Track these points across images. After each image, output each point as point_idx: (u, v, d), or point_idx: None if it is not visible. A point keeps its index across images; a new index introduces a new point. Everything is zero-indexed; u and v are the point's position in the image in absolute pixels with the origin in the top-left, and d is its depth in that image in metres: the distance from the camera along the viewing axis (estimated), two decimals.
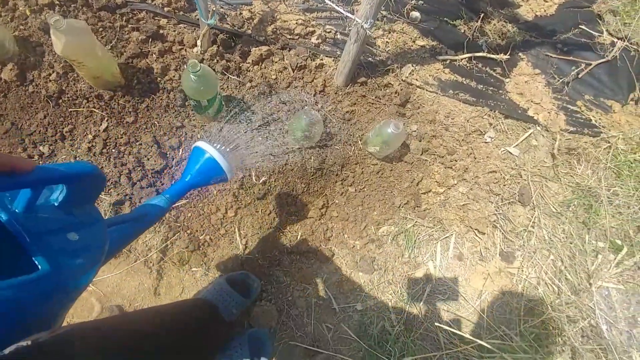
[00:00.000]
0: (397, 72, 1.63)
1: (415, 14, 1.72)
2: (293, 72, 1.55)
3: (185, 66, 1.47)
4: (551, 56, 1.89)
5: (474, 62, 1.77)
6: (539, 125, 1.75)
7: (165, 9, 1.57)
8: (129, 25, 1.53)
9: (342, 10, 1.30)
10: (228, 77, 1.51)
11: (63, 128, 1.44)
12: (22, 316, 0.40)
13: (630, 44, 1.99)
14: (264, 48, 1.54)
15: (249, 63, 1.54)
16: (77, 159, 1.44)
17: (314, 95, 1.55)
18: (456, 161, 1.60)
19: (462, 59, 1.73)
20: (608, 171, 1.75)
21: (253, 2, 1.63)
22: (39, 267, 0.42)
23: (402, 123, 1.33)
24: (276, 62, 1.55)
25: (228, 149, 1.03)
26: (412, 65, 1.65)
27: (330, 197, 1.52)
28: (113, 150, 1.43)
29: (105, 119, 1.44)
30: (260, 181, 1.47)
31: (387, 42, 1.66)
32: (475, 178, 1.60)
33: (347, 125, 1.56)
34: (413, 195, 1.55)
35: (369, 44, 1.65)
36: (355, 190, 1.53)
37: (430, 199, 1.59)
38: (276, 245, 1.48)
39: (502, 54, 1.80)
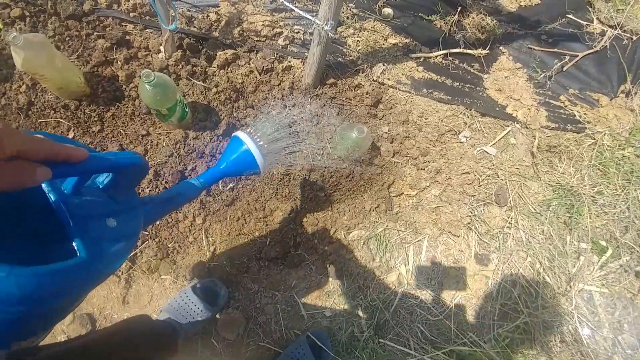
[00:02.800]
0: (368, 72, 1.59)
1: (388, 10, 1.67)
2: (260, 75, 1.53)
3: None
4: (534, 49, 1.81)
5: (450, 58, 1.71)
6: (518, 123, 1.69)
7: (131, 14, 1.56)
8: (95, 33, 1.52)
9: (302, 12, 1.27)
10: (193, 83, 1.50)
11: None
12: (55, 302, 0.40)
13: (624, 31, 1.89)
14: (230, 52, 1.51)
15: (214, 67, 1.52)
16: None
17: (281, 99, 1.52)
18: (429, 163, 1.56)
19: (437, 56, 1.67)
20: (592, 169, 1.68)
21: (219, 3, 1.60)
22: (78, 253, 0.43)
23: (366, 127, 1.30)
24: (242, 66, 1.53)
25: (266, 144, 1.01)
26: (384, 65, 1.61)
27: (299, 202, 1.51)
28: None
29: (72, 128, 1.45)
30: (228, 187, 1.46)
31: (357, 40, 1.61)
32: (448, 180, 1.56)
33: (315, 129, 1.53)
34: (384, 198, 1.53)
35: (339, 43, 1.61)
36: (325, 194, 1.51)
37: (403, 201, 1.56)
38: (245, 251, 1.47)
39: (480, 49, 1.74)
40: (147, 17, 1.58)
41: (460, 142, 1.62)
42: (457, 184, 1.56)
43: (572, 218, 1.63)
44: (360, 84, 1.59)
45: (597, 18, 1.89)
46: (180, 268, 1.44)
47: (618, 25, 1.88)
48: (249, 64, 1.53)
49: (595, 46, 1.82)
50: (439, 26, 1.73)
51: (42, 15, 1.52)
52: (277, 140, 1.08)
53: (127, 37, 1.54)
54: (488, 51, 1.75)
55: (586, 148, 1.69)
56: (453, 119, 1.63)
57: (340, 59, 1.59)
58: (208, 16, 1.59)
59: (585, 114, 1.72)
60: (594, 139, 1.70)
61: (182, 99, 1.38)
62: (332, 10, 1.22)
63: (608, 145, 1.69)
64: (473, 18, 1.76)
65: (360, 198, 1.53)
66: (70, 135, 1.45)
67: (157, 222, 1.45)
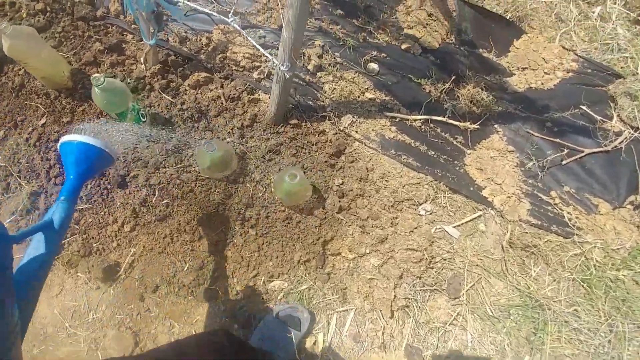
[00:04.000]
0: (335, 121, 1.53)
1: (373, 65, 1.62)
2: (226, 102, 1.53)
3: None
4: (534, 134, 1.64)
5: (432, 125, 1.60)
6: (493, 209, 1.50)
7: (133, 26, 1.67)
8: (95, 36, 1.65)
9: (262, 51, 1.26)
10: (162, 96, 1.54)
11: (17, 117, 1.57)
12: None
13: None
14: (203, 74, 1.55)
15: (186, 86, 1.56)
16: (18, 147, 1.56)
17: (240, 129, 1.51)
18: (376, 228, 1.42)
19: (415, 120, 1.57)
20: (573, 284, 1.42)
21: (213, 30, 1.67)
22: None
23: (299, 175, 1.22)
24: (212, 90, 1.55)
25: (92, 134, 1.04)
26: (354, 116, 1.54)
27: (228, 235, 1.43)
28: (43, 145, 1.52)
29: (46, 115, 1.55)
30: (163, 202, 1.44)
31: (333, 88, 1.58)
32: (391, 251, 1.40)
33: (265, 165, 1.48)
34: (317, 254, 1.40)
35: (314, 87, 1.59)
36: (256, 234, 1.43)
37: (337, 263, 1.42)
38: (160, 271, 1.41)
39: (470, 122, 1.61)
40: None
41: (419, 215, 1.46)
42: (401, 259, 1.39)
43: (536, 335, 1.37)
44: (325, 130, 1.53)
45: (618, 115, 1.68)
46: (95, 271, 1.41)
47: (636, 128, 1.65)
48: (219, 89, 1.55)
49: (607, 145, 1.60)
50: (427, 90, 1.65)
51: (60, 13, 1.69)
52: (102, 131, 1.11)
53: (122, 45, 1.65)
54: (478, 127, 1.62)
55: (569, 257, 1.44)
56: (417, 187, 1.49)
57: (310, 102, 1.56)
58: (200, 39, 1.66)
59: (577, 217, 1.49)
60: (582, 249, 1.45)
61: (138, 108, 1.41)
62: (287, 53, 1.21)
63: (597, 261, 1.43)
64: (469, 90, 1.65)
65: (291, 247, 1.42)
66: (42, 121, 1.54)
67: (90, 220, 1.46)
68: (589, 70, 1.79)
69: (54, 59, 1.47)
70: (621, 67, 1.83)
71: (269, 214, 1.44)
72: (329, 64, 1.60)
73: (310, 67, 1.59)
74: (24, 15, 1.69)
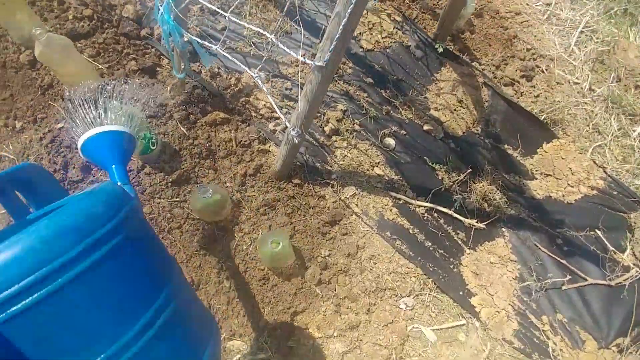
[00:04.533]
0: (338, 189, 1.51)
1: (390, 141, 1.60)
2: (236, 146, 1.54)
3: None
4: (541, 249, 1.55)
5: (436, 215, 1.54)
6: (478, 320, 1.42)
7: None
8: (132, 55, 1.71)
9: (278, 111, 1.27)
10: (178, 127, 1.57)
11: (38, 114, 1.64)
12: None
13: None
14: (222, 114, 1.57)
15: (204, 122, 1.58)
16: (31, 143, 1.61)
17: (243, 176, 1.51)
18: (350, 311, 1.37)
19: (419, 206, 1.53)
20: None
21: (244, 73, 1.70)
22: None
23: (282, 243, 1.20)
24: (226, 131, 1.56)
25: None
26: (357, 189, 1.51)
27: (202, 280, 1.42)
28: (54, 148, 1.57)
29: (65, 120, 1.60)
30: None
31: (345, 155, 1.56)
32: (358, 341, 1.34)
33: (257, 218, 1.47)
34: (284, 324, 1.36)
35: (326, 150, 1.57)
36: (230, 286, 1.40)
37: (303, 337, 1.37)
38: None
39: (477, 221, 1.55)
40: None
41: (398, 308, 1.40)
42: (367, 352, 1.33)
43: None
44: (325, 196, 1.51)
45: (632, 249, 1.57)
46: None
47: None
48: (233, 132, 1.56)
49: (612, 279, 1.50)
50: (439, 177, 1.60)
51: (106, 24, 1.77)
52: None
53: (157, 69, 1.70)
54: (484, 227, 1.55)
55: None
56: (404, 278, 1.44)
57: (318, 165, 1.54)
58: (230, 78, 1.69)
59: (562, 350, 1.38)
60: None
61: (150, 136, 1.44)
62: (299, 121, 1.21)
63: None
64: (484, 185, 1.59)
65: (260, 309, 1.38)
66: (60, 125, 1.59)
67: None
68: (615, 193, 1.70)
69: (82, 71, 1.53)
70: None
71: (247, 269, 1.41)
72: (347, 130, 1.59)
73: (327, 129, 1.58)
74: (70, 17, 1.77)
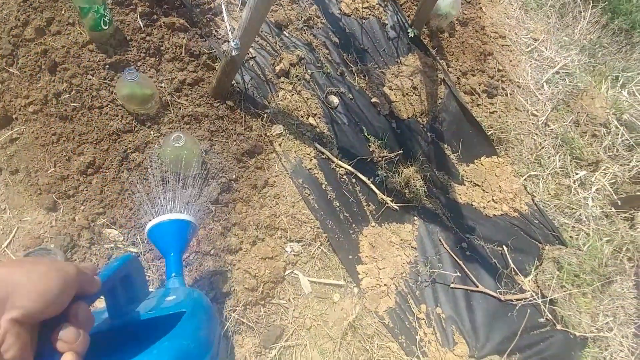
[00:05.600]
0: (267, 124, 1.51)
1: (335, 99, 1.61)
2: (184, 53, 1.55)
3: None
4: (444, 245, 1.56)
5: (354, 180, 1.55)
6: (357, 287, 1.41)
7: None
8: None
9: (227, 23, 1.28)
10: (137, 19, 1.57)
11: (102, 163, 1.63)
12: None
13: (547, 306, 1.53)
14: (182, 21, 1.58)
15: (162, 23, 1.58)
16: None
17: (181, 82, 1.51)
18: (234, 237, 1.35)
19: (340, 166, 1.53)
20: None
21: None
22: None
23: (184, 138, 1.19)
24: (180, 38, 1.57)
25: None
26: (285, 130, 1.52)
27: (103, 165, 1.40)
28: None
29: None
30: (72, 104, 1.43)
31: (286, 97, 1.57)
32: (231, 265, 1.32)
33: (179, 125, 1.46)
34: None
35: (271, 87, 1.58)
36: (127, 178, 1.38)
37: None
38: (30, 160, 1.38)
39: (391, 200, 1.55)
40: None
41: (283, 250, 1.39)
42: (236, 278, 1.31)
43: None
44: (253, 127, 1.51)
45: (535, 276, 1.58)
46: None
47: (544, 296, 1.54)
48: (186, 40, 1.56)
49: (504, 294, 1.49)
50: (371, 149, 1.61)
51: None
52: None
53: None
54: (397, 208, 1.56)
55: None
56: (300, 225, 1.43)
57: (256, 97, 1.55)
58: None
59: (429, 342, 1.37)
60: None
61: (103, 13, 1.42)
62: (240, 32, 1.22)
63: None
64: (410, 171, 1.60)
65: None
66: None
67: (12, 85, 1.46)
68: (536, 222, 1.72)
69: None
70: (570, 237, 1.74)
71: (149, 165, 1.40)
72: (296, 76, 1.60)
73: (277, 68, 1.59)
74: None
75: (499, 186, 1.75)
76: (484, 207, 1.70)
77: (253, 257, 1.34)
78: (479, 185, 1.73)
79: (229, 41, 1.61)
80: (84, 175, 1.39)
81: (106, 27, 1.48)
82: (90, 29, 1.47)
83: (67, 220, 1.33)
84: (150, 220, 0.99)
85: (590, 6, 2.47)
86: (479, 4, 2.15)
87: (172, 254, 0.95)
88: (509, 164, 1.82)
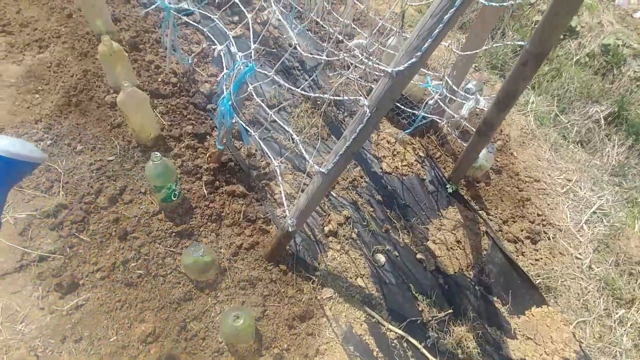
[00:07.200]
0: (317, 287, 1.56)
1: (381, 258, 1.67)
2: (242, 219, 1.70)
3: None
4: None
5: (405, 345, 1.52)
6: None
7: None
8: (192, 120, 2.04)
9: (284, 199, 1.43)
10: (202, 188, 1.78)
11: (98, 144, 1.93)
12: None
13: None
14: (242, 189, 1.77)
15: (224, 190, 1.78)
16: (81, 165, 1.87)
17: (238, 247, 1.63)
18: None
19: (390, 330, 1.52)
20: None
21: (274, 160, 1.94)
22: None
23: (242, 319, 1.25)
24: (240, 204, 1.74)
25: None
26: (335, 293, 1.56)
27: (162, 334, 1.45)
28: (95, 174, 1.80)
29: (116, 155, 1.86)
30: (138, 272, 1.55)
31: (334, 258, 1.64)
32: None
33: (234, 290, 1.54)
34: None
35: (320, 247, 1.67)
36: (185, 348, 1.42)
37: None
38: (92, 327, 1.46)
39: None
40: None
41: None
42: None
43: None
44: (304, 290, 1.56)
45: None
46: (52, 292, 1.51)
47: None
48: (244, 206, 1.73)
49: None
50: (420, 309, 1.61)
51: (183, 92, 2.14)
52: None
53: (207, 137, 1.99)
54: None
55: None
56: None
57: (307, 258, 1.63)
58: (261, 161, 1.93)
59: None
60: None
61: (174, 189, 1.64)
62: (296, 214, 1.35)
63: None
64: (462, 331, 1.57)
65: None
66: (110, 158, 1.85)
67: (81, 250, 1.62)
68: None
69: (148, 123, 1.84)
70: None
71: (207, 337, 1.44)
72: (344, 235, 1.70)
73: (326, 229, 1.70)
74: (159, 80, 2.18)
75: (551, 337, 1.66)
76: None
77: None
78: (531, 339, 1.65)
79: (283, 205, 1.77)
80: (142, 344, 1.43)
81: (175, 199, 1.68)
82: (161, 201, 1.67)
83: None
84: None
85: (616, 128, 2.60)
86: (510, 150, 2.30)
87: None
88: (558, 312, 1.75)
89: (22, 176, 0.98)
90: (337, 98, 1.81)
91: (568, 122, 2.61)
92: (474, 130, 1.68)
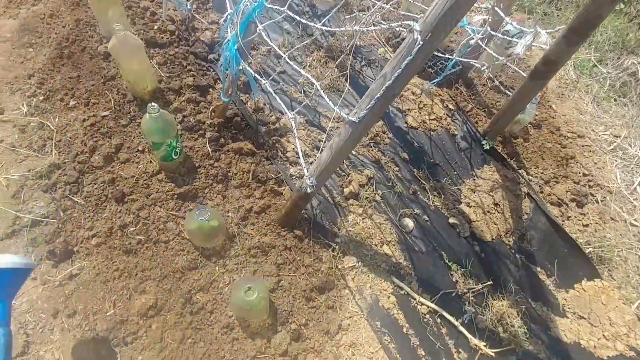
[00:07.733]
0: (338, 255, 1.38)
1: (409, 222, 1.47)
2: (252, 179, 1.50)
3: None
4: None
5: (439, 320, 1.34)
6: None
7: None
8: (193, 71, 1.81)
9: (302, 160, 1.21)
10: (205, 145, 1.57)
11: (92, 99, 1.72)
12: None
13: None
14: (250, 146, 1.56)
15: (230, 147, 1.57)
16: (75, 121, 1.68)
17: (248, 211, 1.44)
18: None
19: (422, 304, 1.34)
20: None
21: (285, 114, 1.71)
22: None
23: (256, 293, 1.08)
24: (247, 163, 1.54)
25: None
26: (358, 262, 1.37)
27: (165, 306, 1.29)
28: (89, 132, 1.61)
29: (110, 110, 1.66)
30: (137, 237, 1.38)
31: (357, 222, 1.45)
32: None
33: (245, 258, 1.36)
34: None
35: (340, 211, 1.47)
36: (190, 323, 1.26)
37: None
38: (88, 300, 1.31)
39: (485, 344, 1.31)
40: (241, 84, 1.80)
41: None
42: None
43: None
44: (322, 259, 1.38)
45: None
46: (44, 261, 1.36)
47: None
48: (254, 165, 1.53)
49: None
50: (454, 279, 1.42)
51: (182, 41, 1.90)
52: None
53: (209, 89, 1.77)
54: (493, 354, 1.31)
55: None
56: None
57: (325, 224, 1.44)
58: (271, 116, 1.71)
59: None
60: None
61: (175, 145, 1.44)
62: (317, 171, 1.15)
63: None
64: (503, 305, 1.38)
65: (215, 355, 1.21)
66: (104, 114, 1.66)
67: (75, 214, 1.45)
68: None
69: (144, 73, 1.62)
70: None
71: (215, 310, 1.28)
72: (366, 197, 1.50)
73: (346, 190, 1.50)
74: (155, 27, 1.94)
75: (609, 318, 1.46)
76: (595, 347, 1.41)
77: None
78: (584, 318, 1.46)
79: (298, 164, 1.56)
80: (143, 318, 1.28)
81: (176, 157, 1.48)
82: (161, 160, 1.48)
83: None
84: None
85: None
86: (548, 102, 2.03)
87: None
88: (615, 288, 1.55)
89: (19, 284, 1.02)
90: (373, 28, 1.51)
91: (601, 75, 2.30)
92: (505, 85, 1.41)
